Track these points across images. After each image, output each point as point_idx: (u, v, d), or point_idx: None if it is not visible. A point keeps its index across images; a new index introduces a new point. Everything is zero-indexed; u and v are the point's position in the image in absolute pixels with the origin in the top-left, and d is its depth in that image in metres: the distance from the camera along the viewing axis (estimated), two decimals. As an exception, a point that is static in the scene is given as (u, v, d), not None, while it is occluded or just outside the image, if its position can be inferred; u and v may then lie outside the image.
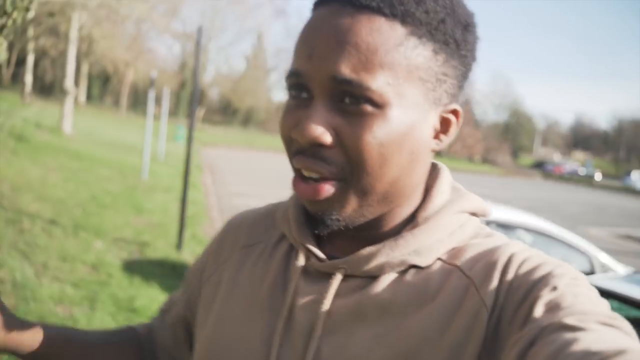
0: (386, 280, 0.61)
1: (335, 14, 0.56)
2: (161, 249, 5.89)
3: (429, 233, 0.61)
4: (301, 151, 0.58)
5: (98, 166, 10.93)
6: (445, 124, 0.62)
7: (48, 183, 8.07)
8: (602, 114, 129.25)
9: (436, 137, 0.62)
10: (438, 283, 0.59)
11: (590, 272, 3.86)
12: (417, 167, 0.61)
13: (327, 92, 0.56)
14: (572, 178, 42.30)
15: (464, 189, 0.68)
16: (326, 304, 0.62)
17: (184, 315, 0.83)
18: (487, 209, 0.68)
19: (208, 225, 8.62)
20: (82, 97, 35.03)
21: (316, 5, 0.61)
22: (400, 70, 0.55)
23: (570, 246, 3.93)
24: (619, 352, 0.42)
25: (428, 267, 0.61)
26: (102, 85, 42.73)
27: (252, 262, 0.73)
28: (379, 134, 0.55)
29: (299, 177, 0.60)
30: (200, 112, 44.28)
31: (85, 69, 33.81)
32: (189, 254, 6.07)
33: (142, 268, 5.07)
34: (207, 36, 41.77)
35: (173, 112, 42.08)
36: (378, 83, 0.54)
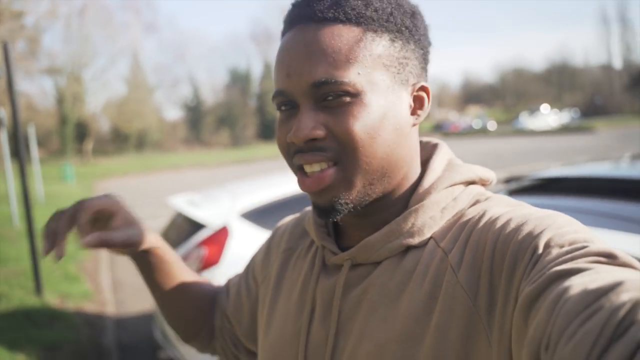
0: (387, 264, 0.67)
1: (301, 31, 0.65)
2: (17, 297, 5.17)
3: (421, 213, 0.66)
4: (299, 150, 0.66)
5: (-43, 225, 9.70)
6: (418, 101, 0.69)
7: None
8: (485, 69, 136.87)
9: (413, 113, 0.69)
10: (427, 263, 0.64)
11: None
12: (404, 141, 0.67)
13: (310, 98, 0.64)
14: (468, 132, 43.90)
15: (459, 162, 0.73)
16: (337, 294, 0.70)
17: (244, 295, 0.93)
18: (486, 175, 0.72)
19: (93, 259, 7.91)
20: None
21: (284, 31, 0.69)
22: (366, 62, 0.63)
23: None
24: (615, 285, 0.43)
25: (423, 246, 0.66)
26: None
27: (292, 265, 0.82)
28: (361, 118, 0.63)
29: (302, 174, 0.67)
30: (88, 145, 41.76)
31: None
32: (55, 295, 5.39)
33: (-14, 325, 4.36)
34: (77, 65, 39.41)
35: (60, 151, 39.45)
36: (350, 76, 0.62)
